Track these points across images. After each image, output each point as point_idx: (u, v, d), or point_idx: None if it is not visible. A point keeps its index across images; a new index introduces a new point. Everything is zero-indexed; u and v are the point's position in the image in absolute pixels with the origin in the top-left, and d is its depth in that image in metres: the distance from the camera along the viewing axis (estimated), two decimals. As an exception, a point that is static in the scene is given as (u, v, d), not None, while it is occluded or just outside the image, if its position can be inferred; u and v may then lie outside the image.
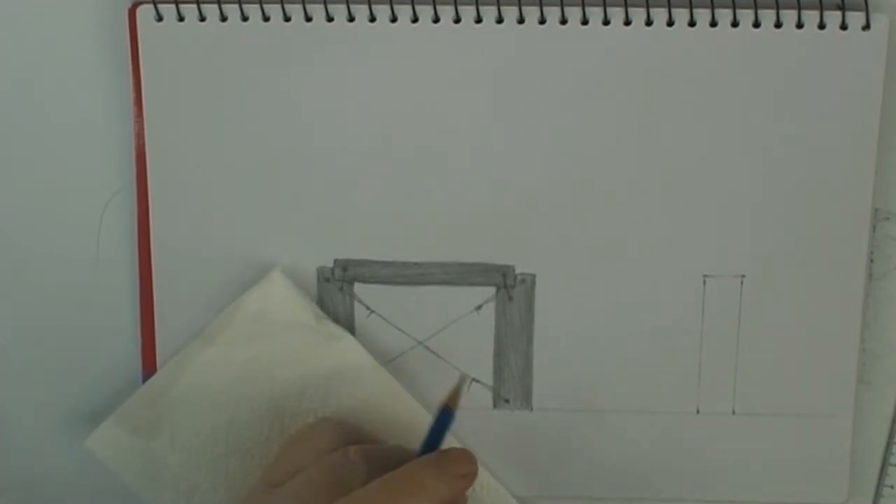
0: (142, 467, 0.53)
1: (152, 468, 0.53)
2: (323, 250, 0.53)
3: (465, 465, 0.47)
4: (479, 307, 0.53)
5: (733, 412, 0.54)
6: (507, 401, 0.54)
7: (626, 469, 0.54)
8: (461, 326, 0.53)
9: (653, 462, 0.54)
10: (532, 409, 0.54)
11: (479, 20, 0.50)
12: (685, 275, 0.52)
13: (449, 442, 0.53)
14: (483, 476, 0.54)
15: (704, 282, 0.52)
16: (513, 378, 0.54)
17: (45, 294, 0.54)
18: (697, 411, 0.54)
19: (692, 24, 0.50)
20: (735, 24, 0.50)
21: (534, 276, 0.53)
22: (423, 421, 0.53)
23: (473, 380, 0.54)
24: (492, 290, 0.53)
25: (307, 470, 0.47)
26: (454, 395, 0.49)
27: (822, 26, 0.50)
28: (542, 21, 0.50)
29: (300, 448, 0.50)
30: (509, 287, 0.53)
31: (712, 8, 0.50)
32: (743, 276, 0.52)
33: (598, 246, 0.52)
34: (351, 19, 0.50)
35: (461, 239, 0.52)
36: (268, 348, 0.53)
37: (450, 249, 0.53)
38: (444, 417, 0.48)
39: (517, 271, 0.53)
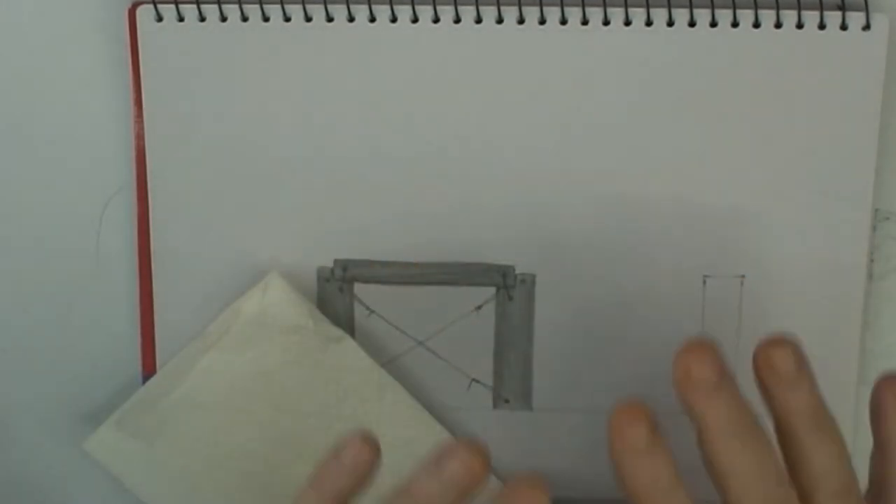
0: (141, 471, 0.53)
1: (152, 472, 0.53)
2: (323, 250, 0.53)
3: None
4: (479, 307, 0.53)
5: (733, 412, 0.54)
6: (507, 401, 0.54)
7: (626, 469, 0.54)
8: (461, 326, 0.53)
9: (653, 462, 0.54)
10: (532, 409, 0.54)
11: (479, 20, 0.50)
12: (685, 275, 0.52)
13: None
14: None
15: (704, 282, 0.52)
16: (513, 378, 0.54)
17: (45, 294, 0.54)
18: (697, 411, 0.54)
19: (692, 24, 0.50)
20: (735, 24, 0.50)
21: (534, 276, 0.53)
22: (424, 423, 0.53)
23: (473, 380, 0.54)
24: (492, 290, 0.53)
25: None
26: None
27: (822, 27, 0.50)
28: (542, 21, 0.50)
29: None
30: (509, 287, 0.53)
31: (712, 8, 0.50)
32: (743, 276, 0.52)
33: (598, 246, 0.52)
34: (351, 19, 0.50)
35: (461, 239, 0.52)
36: (266, 351, 0.53)
37: (450, 249, 0.53)
38: None
39: (517, 271, 0.53)
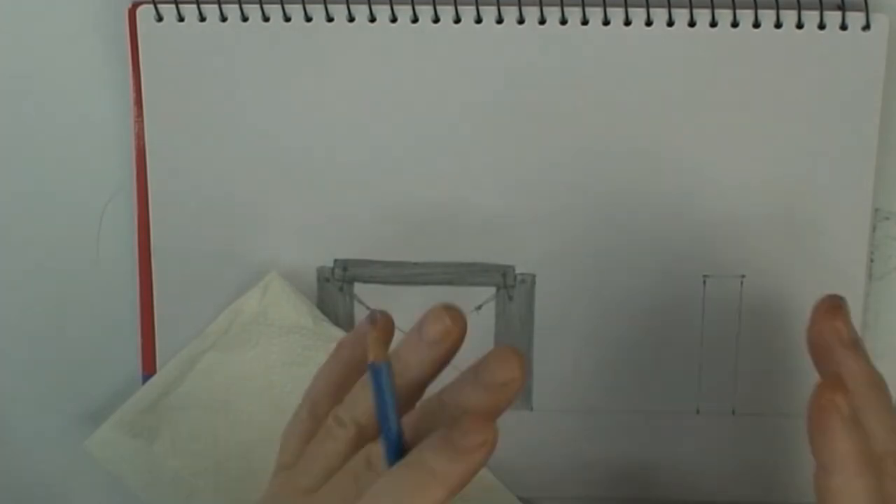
0: (142, 470, 0.53)
1: (152, 471, 0.53)
2: (323, 250, 0.53)
3: (479, 434, 0.39)
4: (479, 307, 0.53)
5: (733, 412, 0.54)
6: (507, 401, 0.54)
7: (626, 469, 0.54)
8: (461, 326, 0.53)
9: (653, 462, 0.54)
10: (532, 409, 0.54)
11: (479, 20, 0.50)
12: (685, 275, 0.52)
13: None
14: (483, 476, 0.54)
15: (704, 282, 0.52)
16: (513, 378, 0.54)
17: (45, 294, 0.54)
18: (697, 411, 0.54)
19: (692, 24, 0.50)
20: (735, 24, 0.50)
21: (534, 276, 0.53)
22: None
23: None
24: (492, 290, 0.53)
25: (336, 477, 0.43)
26: (374, 346, 0.41)
27: (822, 26, 0.50)
28: (542, 21, 0.50)
29: (324, 450, 0.44)
30: (509, 287, 0.53)
31: (712, 8, 0.50)
32: (743, 276, 0.52)
33: (598, 246, 0.52)
34: (351, 19, 0.50)
35: (461, 239, 0.52)
36: (266, 351, 0.53)
37: (450, 249, 0.53)
38: (377, 374, 0.40)
39: (517, 271, 0.53)
